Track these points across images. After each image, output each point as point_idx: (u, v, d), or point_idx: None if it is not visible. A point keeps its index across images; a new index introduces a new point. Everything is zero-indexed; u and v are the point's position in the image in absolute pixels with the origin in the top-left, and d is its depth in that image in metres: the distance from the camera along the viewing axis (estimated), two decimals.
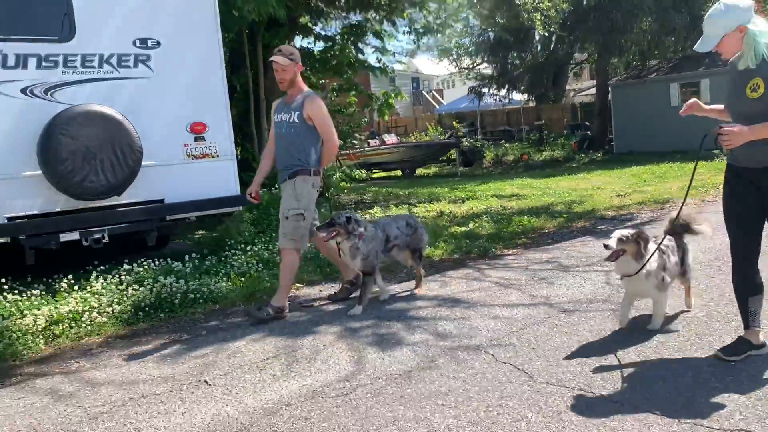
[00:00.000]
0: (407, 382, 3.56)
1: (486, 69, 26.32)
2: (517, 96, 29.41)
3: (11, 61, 5.90)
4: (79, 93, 6.18)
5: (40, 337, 4.84)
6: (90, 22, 6.23)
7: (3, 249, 6.03)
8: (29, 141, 5.92)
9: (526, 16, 16.24)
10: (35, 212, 6.00)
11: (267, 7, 8.18)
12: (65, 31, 6.14)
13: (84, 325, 5.05)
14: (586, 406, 3.09)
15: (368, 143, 20.42)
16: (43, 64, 6.05)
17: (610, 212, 8.97)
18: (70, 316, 5.13)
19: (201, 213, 7.05)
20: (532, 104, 31.93)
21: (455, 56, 25.50)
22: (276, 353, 4.25)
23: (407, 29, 12.32)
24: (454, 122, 28.07)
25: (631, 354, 3.72)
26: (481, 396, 3.30)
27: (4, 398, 3.85)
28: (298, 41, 12.62)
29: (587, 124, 27.43)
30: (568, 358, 3.73)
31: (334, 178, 10.10)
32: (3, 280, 5.61)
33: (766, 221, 3.52)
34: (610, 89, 22.38)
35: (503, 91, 27.73)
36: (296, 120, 5.01)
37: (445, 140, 23.15)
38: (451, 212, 9.67)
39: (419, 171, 21.93)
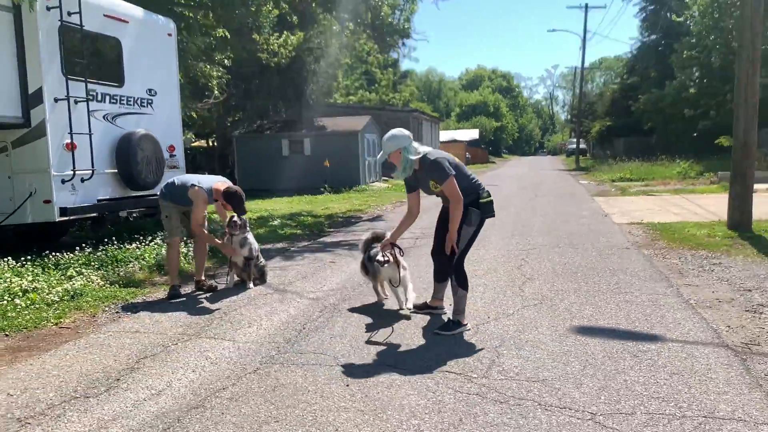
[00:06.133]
0: None
1: None
2: None
3: (99, 97, 8.99)
4: (128, 121, 9.50)
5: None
6: (130, 77, 9.60)
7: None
8: (111, 150, 9.08)
9: (205, 81, 21.34)
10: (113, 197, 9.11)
11: None
12: (120, 80, 9.42)
13: None
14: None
15: None
16: (112, 100, 9.24)
17: (338, 217, 15.25)
18: None
19: None
20: None
21: None
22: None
23: None
24: None
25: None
26: None
27: None
28: None
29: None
30: None
31: None
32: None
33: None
34: (234, 140, 28.54)
35: None
36: None
37: None
38: None
39: None
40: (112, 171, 9.08)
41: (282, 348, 5.00)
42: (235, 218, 7.03)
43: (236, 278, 7.42)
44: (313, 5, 15.96)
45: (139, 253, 8.50)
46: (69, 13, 8.31)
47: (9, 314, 6.00)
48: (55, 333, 5.63)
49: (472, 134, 61.13)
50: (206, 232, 7.07)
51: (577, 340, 5.02)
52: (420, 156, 5.22)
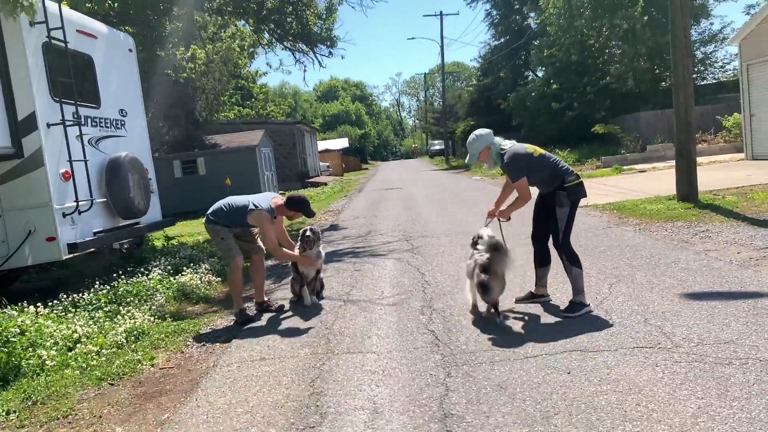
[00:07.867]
0: None
1: None
2: None
3: (83, 120, 8.14)
4: (108, 144, 8.69)
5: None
6: (105, 97, 8.77)
7: None
8: (100, 177, 8.27)
9: None
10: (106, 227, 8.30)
11: None
12: (98, 101, 8.59)
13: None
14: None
15: None
16: (93, 123, 8.41)
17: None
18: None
19: (152, 232, 9.86)
20: None
21: None
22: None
23: None
24: None
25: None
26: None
27: None
28: None
29: None
30: None
31: None
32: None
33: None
34: None
35: None
36: None
37: None
38: None
39: None
40: (102, 200, 8.25)
41: (441, 352, 4.89)
42: (309, 232, 6.71)
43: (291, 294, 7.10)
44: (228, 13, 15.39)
45: (151, 284, 7.82)
46: (51, 29, 7.46)
47: (91, 362, 5.32)
48: (164, 374, 5.09)
49: (343, 143, 61.83)
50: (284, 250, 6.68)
51: (700, 304, 5.39)
52: (504, 151, 5.64)
